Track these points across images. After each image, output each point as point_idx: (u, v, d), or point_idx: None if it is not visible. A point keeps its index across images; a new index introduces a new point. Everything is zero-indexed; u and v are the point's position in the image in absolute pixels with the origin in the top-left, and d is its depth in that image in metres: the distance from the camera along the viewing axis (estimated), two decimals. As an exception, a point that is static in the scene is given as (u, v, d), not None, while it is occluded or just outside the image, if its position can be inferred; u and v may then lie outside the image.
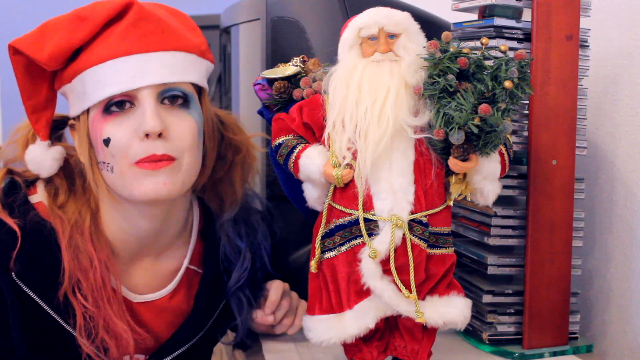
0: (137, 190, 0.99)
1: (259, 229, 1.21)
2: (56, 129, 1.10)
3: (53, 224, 1.02)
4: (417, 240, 0.90)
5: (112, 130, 0.99)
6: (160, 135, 0.98)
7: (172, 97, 1.01)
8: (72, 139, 1.09)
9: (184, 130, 1.01)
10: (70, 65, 1.00)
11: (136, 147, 0.98)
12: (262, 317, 1.18)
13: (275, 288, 1.19)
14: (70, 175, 1.08)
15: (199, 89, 1.07)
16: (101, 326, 1.01)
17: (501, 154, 0.94)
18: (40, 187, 1.07)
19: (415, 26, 0.93)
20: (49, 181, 1.07)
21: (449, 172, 0.93)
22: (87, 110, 1.01)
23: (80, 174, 1.06)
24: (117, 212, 1.06)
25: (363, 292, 0.91)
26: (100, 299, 1.02)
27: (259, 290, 1.20)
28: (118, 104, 0.99)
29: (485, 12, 1.14)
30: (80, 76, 0.99)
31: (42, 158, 1.05)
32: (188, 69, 1.03)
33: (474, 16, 1.17)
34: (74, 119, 1.05)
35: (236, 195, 1.18)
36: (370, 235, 0.90)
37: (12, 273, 0.99)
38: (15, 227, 1.00)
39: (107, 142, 0.99)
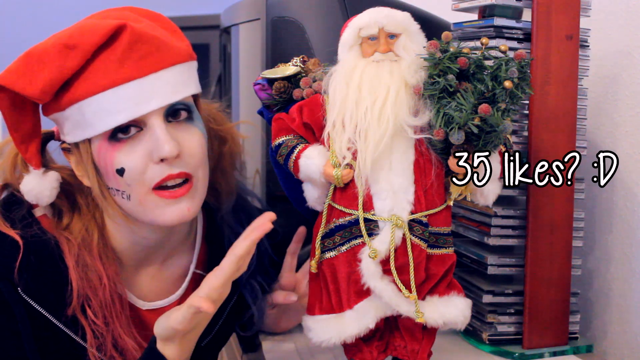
0: (161, 218, 0.98)
1: (255, 215, 1.21)
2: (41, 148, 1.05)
3: (58, 239, 1.01)
4: (417, 240, 0.90)
5: (125, 159, 0.96)
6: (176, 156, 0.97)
7: (176, 111, 0.99)
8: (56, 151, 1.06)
9: (194, 145, 0.99)
10: (63, 94, 0.96)
11: (151, 172, 0.96)
12: (286, 296, 1.19)
13: (289, 268, 1.21)
14: (69, 194, 1.05)
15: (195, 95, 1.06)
16: (109, 342, 1.00)
17: (501, 154, 0.94)
18: None
19: (415, 26, 0.93)
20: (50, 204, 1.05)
21: (449, 172, 0.93)
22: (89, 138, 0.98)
23: (81, 190, 1.04)
24: (126, 228, 1.04)
25: (363, 292, 0.91)
26: (109, 316, 1.01)
27: (268, 276, 1.20)
28: (124, 130, 0.96)
29: (485, 12, 1.14)
30: (78, 105, 0.95)
31: (41, 189, 1.01)
32: (186, 81, 1.00)
33: (474, 16, 1.17)
34: (69, 143, 1.01)
35: (230, 184, 1.17)
36: (370, 235, 0.90)
37: (19, 288, 0.97)
38: (18, 238, 0.98)
39: (121, 172, 0.96)
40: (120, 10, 1.02)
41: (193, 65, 1.04)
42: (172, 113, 0.98)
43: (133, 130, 0.96)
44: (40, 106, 1.00)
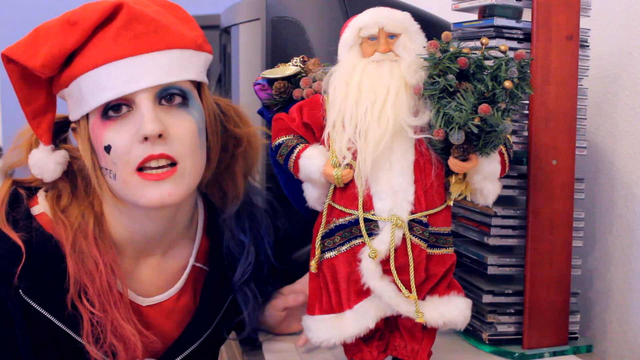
0: (142, 199, 0.99)
1: (263, 222, 1.21)
2: (60, 132, 1.08)
3: (56, 232, 1.01)
4: (417, 240, 0.90)
5: (112, 137, 0.97)
6: (160, 136, 0.97)
7: (170, 95, 0.99)
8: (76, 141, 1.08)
9: (183, 131, 0.99)
10: (66, 71, 0.99)
11: (135, 151, 0.97)
12: (294, 299, 1.20)
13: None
14: (73, 178, 1.06)
15: (198, 84, 1.06)
16: (109, 330, 1.00)
17: (501, 154, 0.94)
18: (41, 197, 1.06)
19: (415, 26, 0.93)
20: (53, 185, 1.06)
21: (449, 172, 0.93)
22: (87, 115, 1.00)
23: (83, 177, 1.05)
24: (123, 214, 1.05)
25: (363, 292, 0.91)
26: (107, 303, 1.01)
27: (265, 285, 1.20)
28: (115, 108, 0.97)
29: (485, 12, 1.14)
30: (76, 81, 0.98)
31: (45, 162, 1.04)
32: (185, 66, 1.00)
33: (474, 16, 1.17)
34: (75, 122, 1.04)
35: (238, 189, 1.17)
36: (370, 235, 0.90)
37: (20, 290, 0.98)
38: (20, 243, 0.98)
39: (108, 149, 0.98)
40: (139, 2, 1.03)
41: (198, 55, 1.03)
42: (166, 96, 0.99)
43: (124, 109, 0.98)
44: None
